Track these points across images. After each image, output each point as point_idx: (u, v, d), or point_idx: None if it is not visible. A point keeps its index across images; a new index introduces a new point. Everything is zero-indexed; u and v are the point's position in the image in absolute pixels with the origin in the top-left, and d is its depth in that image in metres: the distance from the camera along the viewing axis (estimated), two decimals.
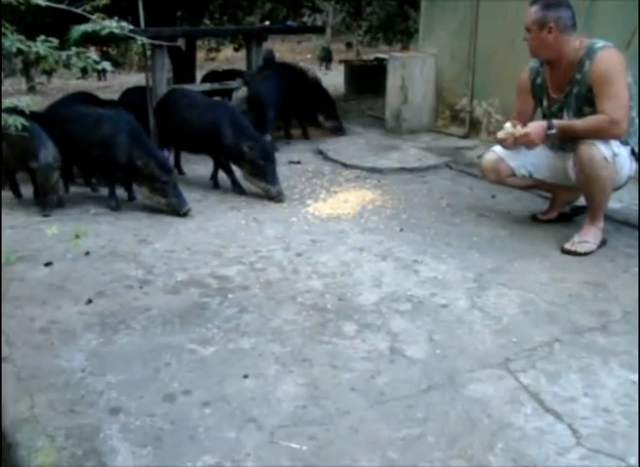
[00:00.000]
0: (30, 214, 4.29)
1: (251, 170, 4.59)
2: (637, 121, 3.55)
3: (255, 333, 2.77)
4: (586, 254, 3.53)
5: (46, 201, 4.30)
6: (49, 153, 4.25)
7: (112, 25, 2.47)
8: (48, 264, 3.48)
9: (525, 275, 3.31)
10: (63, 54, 2.53)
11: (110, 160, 4.40)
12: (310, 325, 2.83)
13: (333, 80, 11.83)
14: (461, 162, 5.23)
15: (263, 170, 4.51)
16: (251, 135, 4.64)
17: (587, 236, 3.58)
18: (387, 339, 2.72)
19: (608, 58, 3.38)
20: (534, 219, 4.06)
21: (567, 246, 3.57)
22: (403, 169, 5.11)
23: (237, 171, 4.74)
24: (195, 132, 4.87)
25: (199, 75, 8.98)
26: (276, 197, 4.48)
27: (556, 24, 3.43)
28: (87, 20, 2.52)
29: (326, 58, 14.78)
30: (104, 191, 4.63)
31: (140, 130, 4.52)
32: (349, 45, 17.00)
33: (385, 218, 4.13)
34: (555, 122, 3.48)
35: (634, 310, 2.95)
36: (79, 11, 2.42)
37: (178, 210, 4.28)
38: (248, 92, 6.28)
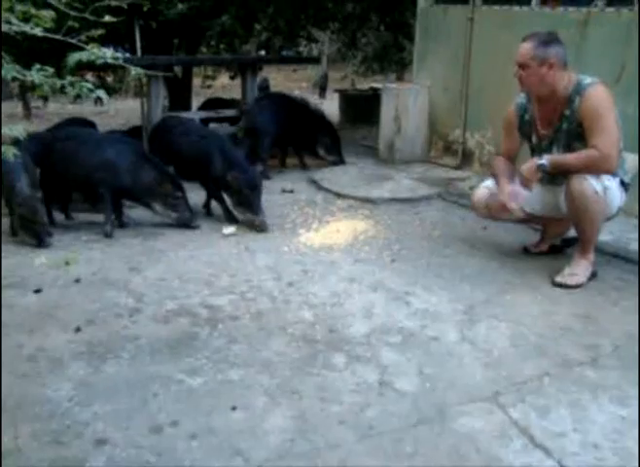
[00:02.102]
0: (22, 241, 4.25)
1: (236, 200, 4.62)
2: (623, 153, 3.59)
3: (244, 364, 2.76)
4: (576, 287, 3.53)
5: (40, 232, 4.19)
6: (25, 184, 4.14)
7: (106, 55, 2.48)
8: (37, 291, 3.46)
9: (516, 308, 3.31)
10: (58, 83, 2.54)
11: (114, 182, 4.42)
12: (300, 357, 2.82)
13: (327, 108, 11.89)
14: (453, 193, 5.25)
15: (247, 200, 4.53)
16: (239, 165, 4.65)
17: (578, 269, 3.60)
18: (377, 371, 2.71)
19: (597, 95, 3.42)
20: (525, 251, 4.07)
21: (558, 279, 3.58)
22: (395, 200, 5.13)
23: (228, 200, 4.76)
24: (187, 160, 4.91)
25: (195, 102, 9.04)
26: (259, 228, 4.47)
27: (556, 60, 3.47)
28: (83, 48, 2.54)
29: (323, 86, 14.88)
30: (82, 217, 4.62)
31: (144, 151, 4.59)
32: (344, 76, 17.16)
33: (377, 248, 4.13)
34: (547, 156, 3.52)
35: (624, 344, 2.95)
36: (74, 41, 2.44)
37: (189, 223, 4.53)
38: (245, 121, 6.31)
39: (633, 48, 4.53)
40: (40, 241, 4.15)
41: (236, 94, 8.12)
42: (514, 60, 3.57)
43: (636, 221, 4.52)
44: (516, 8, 5.51)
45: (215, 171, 4.66)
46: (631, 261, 3.90)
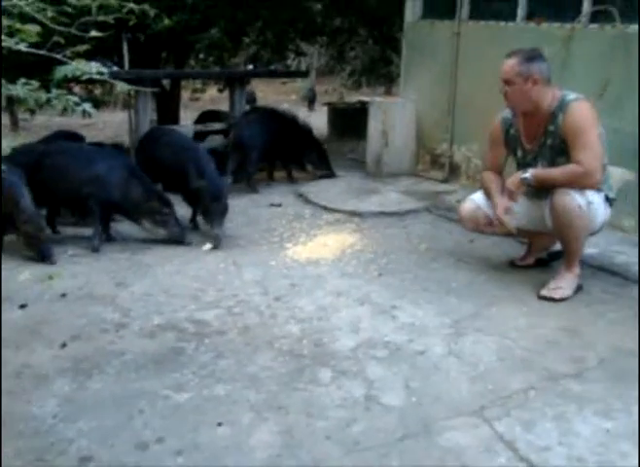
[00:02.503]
0: (10, 255, 4.22)
1: (201, 210, 4.65)
2: (608, 168, 3.63)
3: (230, 379, 2.75)
4: (561, 300, 3.55)
5: (46, 249, 4.15)
6: (29, 200, 4.12)
7: (92, 71, 2.48)
8: (23, 306, 3.45)
9: (502, 321, 3.32)
10: (44, 96, 2.54)
11: (103, 197, 4.41)
12: (286, 371, 2.81)
13: (316, 121, 11.92)
14: (441, 207, 5.28)
15: (210, 212, 4.53)
16: (208, 174, 4.63)
17: (563, 282, 3.62)
18: (363, 386, 2.71)
19: (581, 110, 3.45)
20: (512, 264, 4.09)
21: (543, 292, 3.60)
22: (383, 213, 5.15)
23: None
24: (167, 171, 4.92)
25: (184, 115, 9.04)
26: (214, 241, 4.43)
27: (540, 76, 3.51)
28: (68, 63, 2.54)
29: (312, 99, 14.91)
30: (69, 231, 4.61)
31: (134, 166, 4.60)
32: (333, 90, 17.21)
33: (364, 262, 4.14)
34: (531, 170, 3.55)
35: (609, 357, 2.97)
36: (59, 56, 2.44)
37: (181, 240, 4.48)
38: (233, 135, 6.32)
39: (617, 63, 4.58)
40: (45, 258, 4.11)
41: (226, 106, 8.13)
42: (499, 76, 3.60)
43: (621, 234, 4.56)
44: (502, 23, 5.56)
45: (189, 182, 4.66)
46: (617, 274, 3.93)
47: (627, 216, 4.61)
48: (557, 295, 3.57)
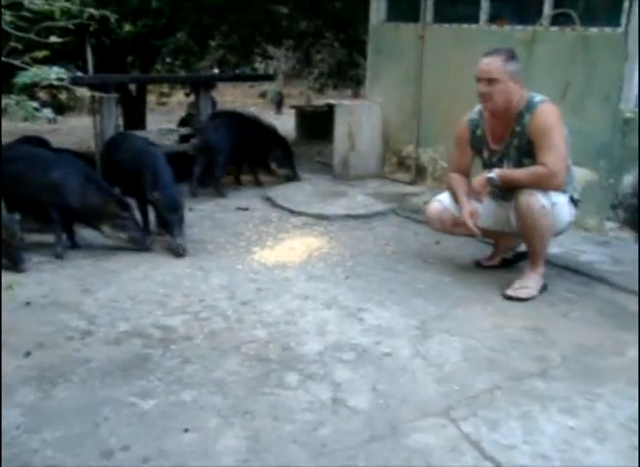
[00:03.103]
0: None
1: (159, 220, 4.61)
2: (572, 169, 3.68)
3: (197, 385, 2.74)
4: (526, 299, 3.59)
5: (18, 256, 4.08)
6: (3, 206, 4.08)
7: (51, 76, 2.45)
8: None
9: (468, 322, 3.36)
10: (2, 103, 2.50)
11: (61, 204, 4.35)
12: (253, 376, 2.81)
13: (284, 125, 11.92)
14: (407, 209, 5.31)
15: (167, 221, 4.47)
16: (163, 184, 4.55)
17: (528, 282, 3.66)
18: (330, 389, 2.72)
19: (546, 112, 3.49)
20: (477, 265, 4.13)
21: (508, 292, 3.64)
22: (349, 216, 5.16)
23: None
24: (126, 176, 4.86)
25: (151, 119, 8.98)
26: (175, 251, 4.37)
27: (519, 76, 3.54)
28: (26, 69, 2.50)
29: (279, 103, 14.91)
30: (33, 238, 4.55)
31: (91, 171, 4.55)
32: (301, 93, 17.22)
33: (331, 265, 4.15)
34: (497, 170, 3.58)
35: (572, 355, 3.02)
36: (17, 62, 2.41)
37: (142, 243, 4.43)
38: (199, 140, 6.30)
39: (577, 65, 4.66)
40: (17, 265, 4.05)
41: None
42: (479, 75, 3.54)
43: (585, 233, 4.64)
44: (466, 26, 5.62)
45: (144, 189, 4.61)
46: (581, 273, 3.99)
47: (591, 215, 4.69)
48: (523, 294, 3.61)
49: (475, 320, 3.37)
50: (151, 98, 10.25)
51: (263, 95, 16.86)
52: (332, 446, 2.35)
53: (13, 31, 2.46)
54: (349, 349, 3.05)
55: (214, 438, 2.39)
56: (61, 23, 2.67)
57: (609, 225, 4.59)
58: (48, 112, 2.63)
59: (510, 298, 3.61)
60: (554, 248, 4.23)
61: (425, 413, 2.56)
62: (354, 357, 2.98)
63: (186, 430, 2.43)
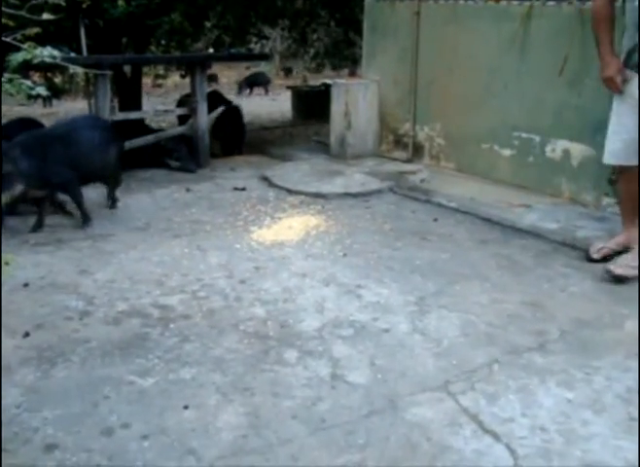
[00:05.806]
0: None
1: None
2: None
3: (196, 363, 2.75)
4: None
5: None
6: None
7: (43, 54, 2.43)
8: None
9: (466, 297, 3.36)
10: None
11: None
12: (252, 353, 2.82)
13: (280, 106, 11.90)
14: (404, 187, 5.29)
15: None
16: None
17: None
18: (329, 365, 2.72)
19: None
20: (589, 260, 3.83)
21: (618, 271, 3.50)
22: (347, 194, 5.15)
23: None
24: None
25: (147, 101, 8.95)
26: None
27: None
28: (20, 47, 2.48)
29: (261, 83, 14.76)
30: (28, 220, 4.55)
31: None
32: (289, 70, 17.11)
33: (329, 243, 4.14)
34: None
35: (570, 329, 3.03)
36: (8, 40, 2.39)
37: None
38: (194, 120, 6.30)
39: (575, 40, 4.62)
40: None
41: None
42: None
43: (582, 209, 4.63)
44: (462, 1, 5.55)
45: None
46: (578, 248, 3.98)
47: (588, 191, 4.68)
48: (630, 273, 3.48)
49: (473, 296, 3.38)
50: (146, 81, 10.20)
51: None
52: (331, 421, 2.37)
53: (4, 9, 2.44)
54: (348, 326, 3.06)
55: (214, 415, 2.40)
56: (53, 0, 2.64)
57: (606, 200, 4.57)
58: (41, 89, 2.61)
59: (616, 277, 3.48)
60: (551, 224, 4.24)
61: (423, 388, 2.57)
62: (352, 333, 2.99)
63: (186, 407, 2.44)
